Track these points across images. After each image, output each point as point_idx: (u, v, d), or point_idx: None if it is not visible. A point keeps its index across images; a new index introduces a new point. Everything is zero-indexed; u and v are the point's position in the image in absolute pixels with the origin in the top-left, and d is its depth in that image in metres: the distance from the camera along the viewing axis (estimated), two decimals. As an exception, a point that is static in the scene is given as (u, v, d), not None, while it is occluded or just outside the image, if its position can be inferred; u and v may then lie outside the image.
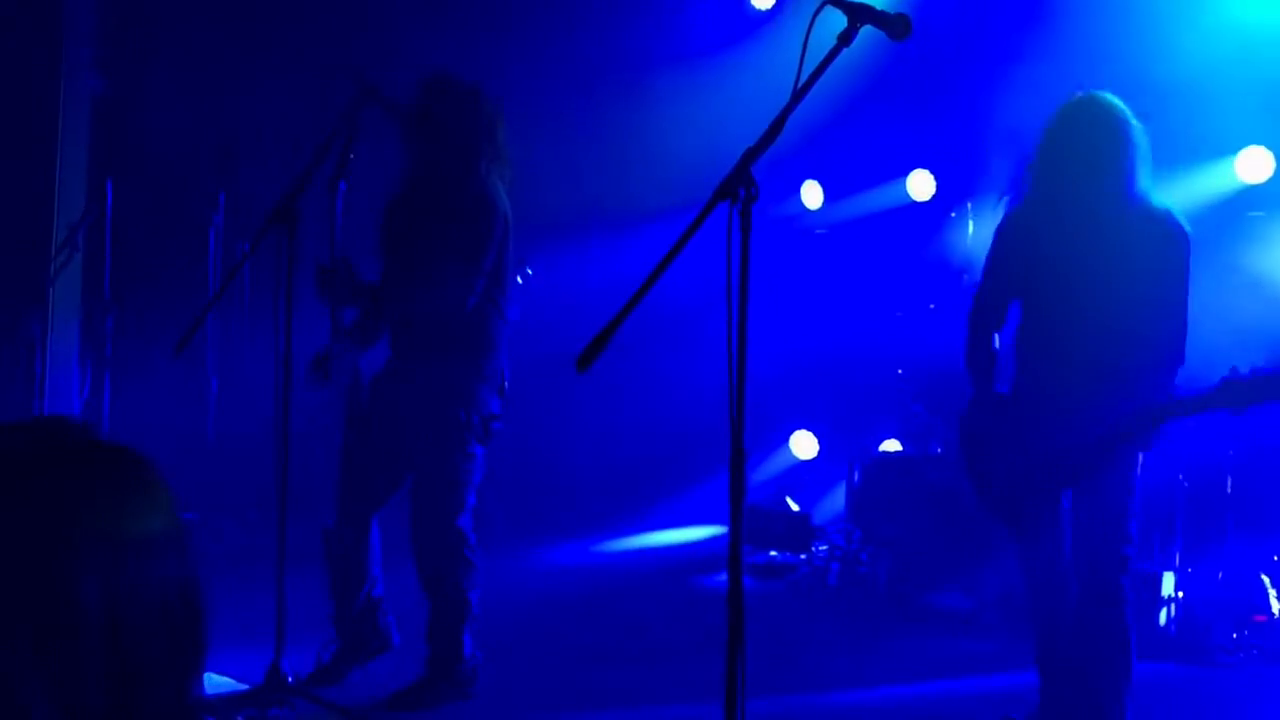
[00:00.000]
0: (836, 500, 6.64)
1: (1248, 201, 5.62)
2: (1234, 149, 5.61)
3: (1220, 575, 4.98)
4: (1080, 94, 3.56)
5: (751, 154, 2.15)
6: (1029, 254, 3.61)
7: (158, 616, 0.95)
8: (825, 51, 2.27)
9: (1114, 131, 3.45)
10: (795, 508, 6.57)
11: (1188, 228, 3.53)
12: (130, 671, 0.93)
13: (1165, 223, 3.50)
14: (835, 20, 2.31)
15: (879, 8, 2.34)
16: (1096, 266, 3.49)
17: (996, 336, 3.73)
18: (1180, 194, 5.50)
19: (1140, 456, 3.53)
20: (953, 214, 6.14)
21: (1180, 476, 5.03)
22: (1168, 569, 4.94)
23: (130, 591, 0.94)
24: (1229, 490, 5.07)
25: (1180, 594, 4.90)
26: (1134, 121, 3.49)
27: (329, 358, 4.05)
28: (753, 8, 7.24)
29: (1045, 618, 3.63)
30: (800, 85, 2.20)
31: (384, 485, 4.14)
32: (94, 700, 0.91)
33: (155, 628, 0.95)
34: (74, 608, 0.91)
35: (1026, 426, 3.55)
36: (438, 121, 4.00)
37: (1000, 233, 3.73)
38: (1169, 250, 3.49)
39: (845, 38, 2.27)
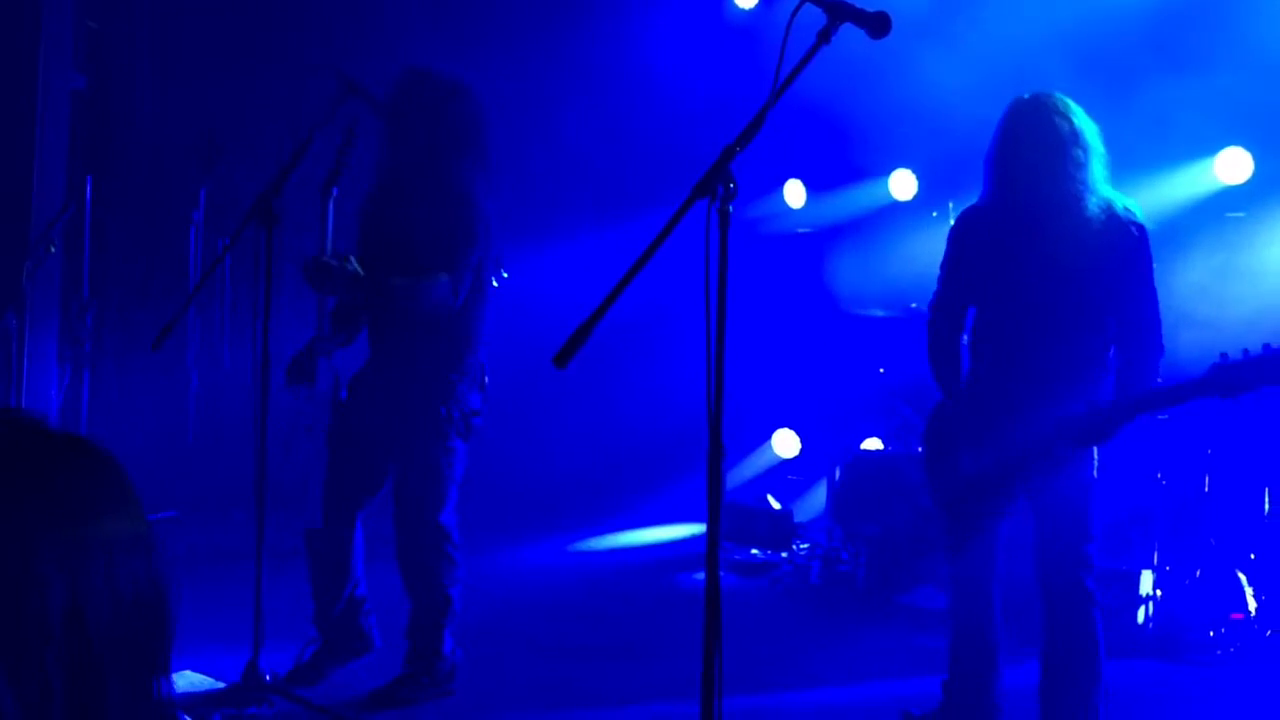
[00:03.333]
0: (818, 498, 6.66)
1: (1227, 202, 5.65)
2: (1213, 150, 5.64)
3: (1198, 574, 5.00)
4: (1030, 93, 3.56)
5: (730, 151, 2.16)
6: (982, 256, 3.62)
7: (123, 615, 0.95)
8: (805, 49, 2.28)
9: (1062, 131, 3.45)
10: (777, 506, 6.58)
11: (1142, 219, 3.53)
12: (94, 670, 0.93)
13: (1120, 218, 3.50)
14: (816, 18, 2.32)
15: (858, 6, 2.35)
16: (1048, 267, 3.50)
17: (958, 338, 3.75)
18: (1159, 195, 5.55)
19: (1096, 455, 3.54)
20: (934, 213, 6.16)
21: (1158, 475, 5.06)
22: (1145, 567, 4.96)
23: (94, 589, 0.94)
24: (1207, 489, 5.10)
25: (1158, 592, 4.93)
26: (1085, 119, 3.48)
27: (312, 357, 4.03)
28: (735, 6, 7.25)
29: (962, 624, 3.67)
30: (779, 84, 2.20)
31: (367, 483, 4.12)
32: (57, 699, 0.91)
33: (120, 626, 0.95)
34: (38, 606, 0.91)
35: (984, 428, 3.56)
36: (419, 115, 3.98)
37: (954, 236, 3.74)
38: (1128, 245, 3.49)
39: (825, 36, 2.28)
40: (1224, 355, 3.10)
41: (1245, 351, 3.05)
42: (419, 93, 3.99)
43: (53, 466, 0.97)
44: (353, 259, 3.84)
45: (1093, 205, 3.48)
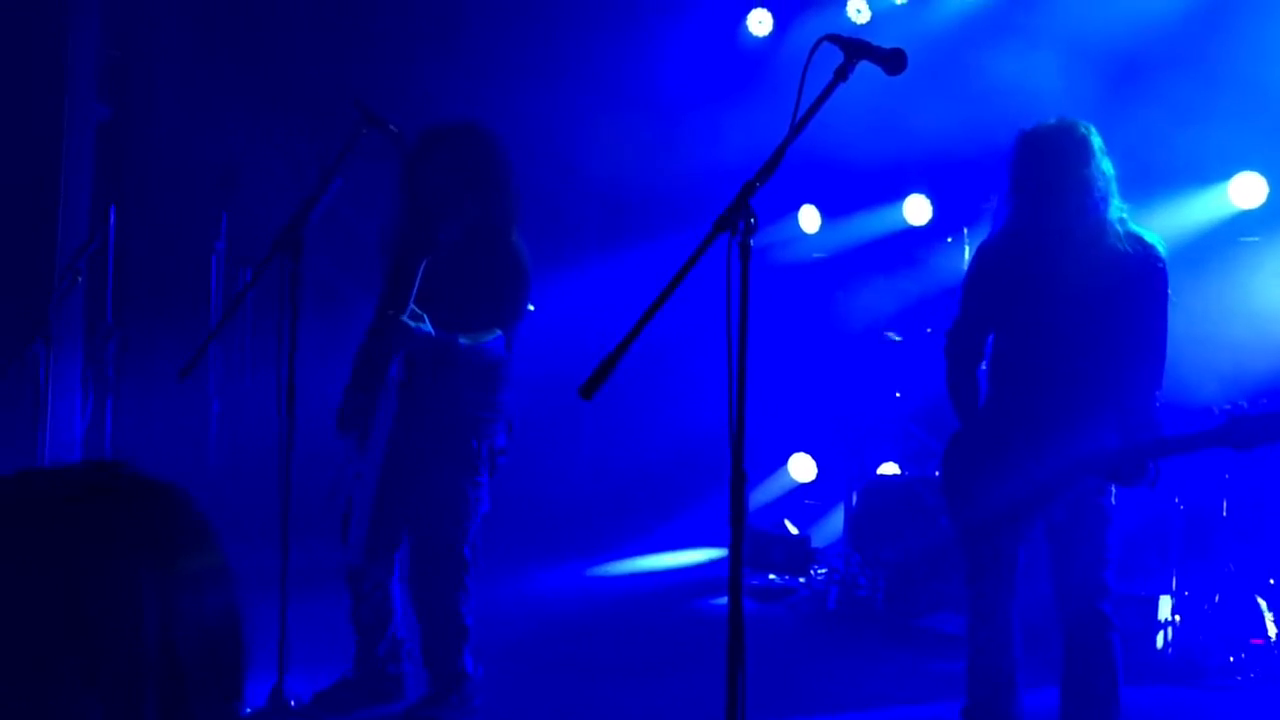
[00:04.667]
0: (835, 523, 6.67)
1: (1241, 227, 5.67)
2: (1228, 174, 5.66)
3: (1217, 599, 5.00)
4: (1047, 121, 3.55)
5: (750, 186, 2.19)
6: (1002, 284, 3.62)
7: (207, 644, 1.01)
8: (816, 78, 2.31)
9: (1080, 158, 3.44)
10: (794, 531, 6.59)
11: (1164, 251, 3.53)
12: (181, 697, 0.98)
13: (1141, 249, 3.50)
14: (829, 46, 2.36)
15: (874, 43, 2.39)
16: (1068, 296, 3.50)
17: (976, 365, 3.76)
18: (1174, 219, 5.57)
19: (1113, 487, 3.55)
20: (949, 239, 6.19)
21: (1176, 500, 5.06)
22: (1164, 592, 4.96)
23: (183, 621, 1.00)
24: (1225, 513, 5.09)
25: (1177, 618, 4.92)
26: (1100, 146, 3.48)
27: (370, 407, 4.07)
28: (749, 34, 7.32)
29: (980, 649, 3.66)
30: (797, 120, 2.24)
31: (402, 517, 4.17)
32: None
33: (204, 655, 1.01)
34: (135, 638, 0.97)
35: (999, 456, 3.57)
36: (443, 169, 4.05)
37: (975, 263, 3.76)
38: (1145, 277, 3.48)
39: (842, 73, 2.32)
40: (1240, 407, 3.10)
41: (1262, 408, 3.05)
42: (450, 147, 4.06)
43: (146, 509, 1.04)
44: (426, 317, 3.92)
45: (1114, 234, 3.48)
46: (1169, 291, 3.52)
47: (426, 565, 4.11)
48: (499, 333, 4.04)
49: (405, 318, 3.87)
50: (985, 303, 3.69)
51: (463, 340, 3.98)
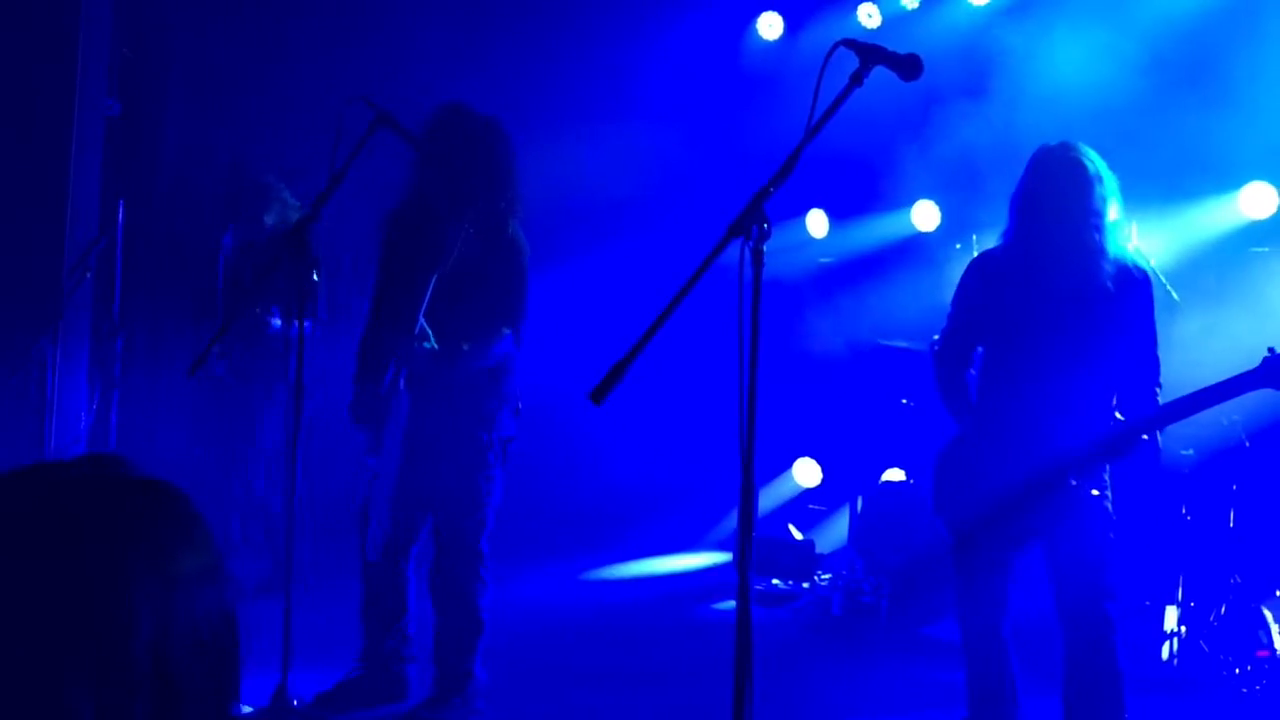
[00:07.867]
0: (840, 529, 6.65)
1: (1251, 237, 5.66)
2: (1237, 184, 5.65)
3: (1223, 610, 4.98)
4: (1052, 144, 3.65)
5: (764, 192, 2.19)
6: (992, 299, 3.70)
7: (200, 645, 1.00)
8: (826, 82, 2.30)
9: (1082, 180, 3.54)
10: (799, 536, 6.57)
11: (1147, 268, 3.69)
12: (175, 698, 0.97)
13: (1129, 266, 3.62)
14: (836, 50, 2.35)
15: (890, 49, 2.39)
16: (1056, 315, 3.59)
17: (965, 374, 3.83)
18: (1184, 228, 5.57)
19: (1109, 487, 3.60)
20: (957, 245, 6.18)
21: (1183, 510, 5.05)
22: (1170, 603, 4.94)
23: (177, 622, 0.98)
24: (1232, 525, 5.08)
25: (1182, 628, 4.91)
26: (1103, 170, 3.59)
27: (385, 402, 4.08)
28: (759, 38, 7.31)
29: (975, 659, 3.69)
30: (812, 125, 2.24)
31: (420, 514, 4.18)
32: None
33: (198, 656, 1.00)
34: (128, 638, 0.96)
35: (990, 466, 3.61)
36: (455, 151, 4.05)
37: (968, 278, 3.82)
38: (1128, 290, 3.61)
39: (857, 78, 2.32)
40: (1272, 350, 3.22)
41: None
42: (455, 129, 4.06)
43: (141, 510, 1.02)
44: (431, 334, 3.92)
45: (1108, 253, 3.58)
46: (1154, 301, 3.63)
47: (446, 559, 4.15)
48: (507, 332, 4.04)
49: (413, 334, 3.88)
50: (974, 315, 3.75)
51: (469, 346, 3.98)
